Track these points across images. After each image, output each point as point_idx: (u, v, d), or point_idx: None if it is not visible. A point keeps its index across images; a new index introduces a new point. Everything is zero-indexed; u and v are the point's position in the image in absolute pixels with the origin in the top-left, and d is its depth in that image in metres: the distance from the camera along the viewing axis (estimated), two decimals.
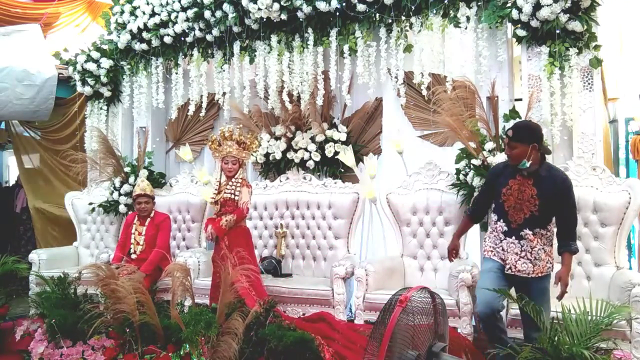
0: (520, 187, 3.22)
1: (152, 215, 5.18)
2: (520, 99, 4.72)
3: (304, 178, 5.39)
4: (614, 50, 5.55)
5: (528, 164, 3.17)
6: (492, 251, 3.38)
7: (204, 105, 6.13)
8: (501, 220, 3.32)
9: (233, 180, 4.54)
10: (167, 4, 5.98)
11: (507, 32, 4.69)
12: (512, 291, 3.25)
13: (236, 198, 4.47)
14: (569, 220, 3.25)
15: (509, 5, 4.43)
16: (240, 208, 4.45)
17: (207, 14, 5.63)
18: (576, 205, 3.29)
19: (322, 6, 5.04)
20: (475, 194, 4.25)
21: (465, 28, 4.67)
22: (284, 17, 5.25)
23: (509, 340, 3.23)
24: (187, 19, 5.82)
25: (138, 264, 4.89)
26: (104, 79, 6.61)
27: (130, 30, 6.32)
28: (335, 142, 5.47)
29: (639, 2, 5.58)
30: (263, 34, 5.53)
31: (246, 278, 4.07)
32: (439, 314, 2.78)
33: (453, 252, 3.68)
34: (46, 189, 7.40)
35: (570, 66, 4.30)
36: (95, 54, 6.63)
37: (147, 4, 6.13)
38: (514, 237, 3.27)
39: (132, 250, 5.11)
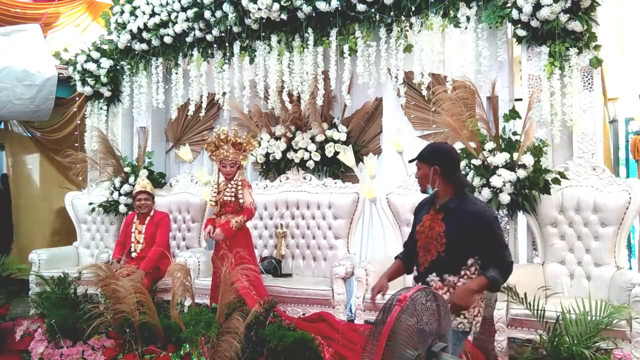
0: (430, 224, 2.74)
1: (151, 214, 5.20)
2: (520, 99, 4.72)
3: (304, 178, 5.38)
4: (615, 50, 5.56)
5: (431, 191, 2.72)
6: None
7: (204, 105, 6.13)
8: (415, 264, 2.86)
9: (232, 182, 4.54)
10: (167, 4, 5.98)
11: (507, 32, 4.69)
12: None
13: (240, 201, 4.48)
14: (491, 257, 2.64)
15: (509, 5, 4.43)
16: (249, 208, 4.51)
17: (207, 14, 5.63)
18: (503, 243, 2.68)
19: (322, 6, 5.04)
20: (475, 194, 4.24)
21: (465, 28, 4.66)
22: (284, 17, 5.24)
23: None
24: (187, 19, 5.82)
25: (138, 263, 4.94)
26: (104, 79, 6.61)
27: (130, 30, 6.31)
28: (335, 142, 5.47)
29: (639, 2, 5.58)
30: (263, 34, 5.53)
31: (246, 278, 4.08)
32: (439, 314, 2.78)
33: (376, 291, 2.97)
34: (39, 191, 7.42)
35: (570, 66, 4.30)
36: (95, 54, 6.63)
37: (147, 4, 6.13)
38: (420, 284, 2.72)
39: (132, 249, 5.13)
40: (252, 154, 5.50)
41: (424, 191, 2.78)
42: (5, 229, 7.49)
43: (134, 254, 5.09)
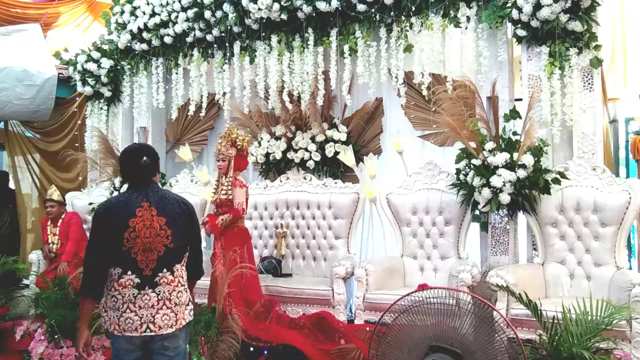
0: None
1: (62, 216, 5.75)
2: (521, 99, 4.72)
3: (304, 178, 5.38)
4: (616, 50, 5.56)
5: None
6: None
7: (204, 105, 6.13)
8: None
9: (226, 179, 4.53)
10: (167, 4, 5.98)
11: (507, 32, 4.69)
12: None
13: (234, 199, 4.47)
14: None
15: (509, 5, 4.43)
16: (236, 209, 4.44)
17: (207, 14, 5.63)
18: (89, 240, 2.70)
19: (322, 6, 5.04)
20: (475, 194, 4.24)
21: (466, 28, 4.66)
22: (284, 17, 5.24)
23: None
24: (187, 19, 5.82)
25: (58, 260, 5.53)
26: (104, 79, 6.61)
27: (131, 31, 6.32)
28: (335, 142, 5.46)
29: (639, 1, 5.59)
30: (263, 34, 5.53)
31: (241, 278, 4.10)
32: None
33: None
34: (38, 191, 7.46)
35: (570, 66, 4.30)
36: (95, 54, 6.64)
37: (147, 4, 6.13)
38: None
39: (49, 249, 5.66)
40: (252, 154, 5.49)
41: None
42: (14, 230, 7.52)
43: (52, 254, 5.64)
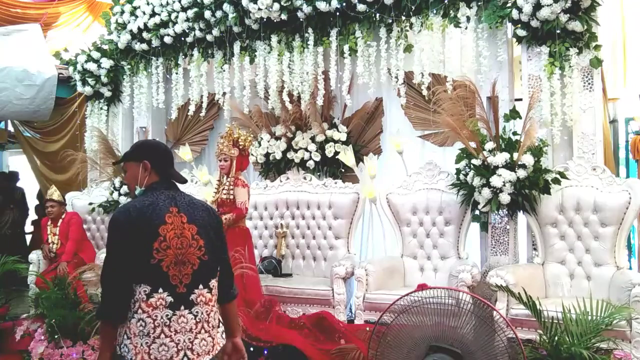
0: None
1: (63, 216, 5.76)
2: (521, 99, 4.72)
3: (304, 178, 5.38)
4: (616, 50, 5.56)
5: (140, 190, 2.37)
6: None
7: (204, 105, 6.13)
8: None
9: (227, 179, 4.54)
10: (167, 4, 5.98)
11: (507, 32, 4.69)
12: None
13: (237, 198, 4.47)
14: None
15: (509, 5, 4.44)
16: (239, 208, 4.45)
17: (207, 14, 5.63)
18: (108, 253, 2.20)
19: (322, 6, 5.04)
20: (475, 194, 4.24)
21: (466, 28, 4.67)
22: (284, 17, 5.24)
23: None
24: (187, 19, 5.82)
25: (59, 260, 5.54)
26: (104, 79, 6.62)
27: (131, 31, 6.32)
28: (335, 142, 5.46)
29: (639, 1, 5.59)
30: (263, 34, 5.53)
31: (241, 278, 4.09)
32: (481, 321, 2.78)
33: None
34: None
35: (570, 66, 4.30)
36: (95, 54, 6.64)
37: (147, 4, 6.13)
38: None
39: (49, 249, 5.68)
40: (252, 154, 5.48)
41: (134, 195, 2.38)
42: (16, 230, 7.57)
43: (52, 254, 5.65)
